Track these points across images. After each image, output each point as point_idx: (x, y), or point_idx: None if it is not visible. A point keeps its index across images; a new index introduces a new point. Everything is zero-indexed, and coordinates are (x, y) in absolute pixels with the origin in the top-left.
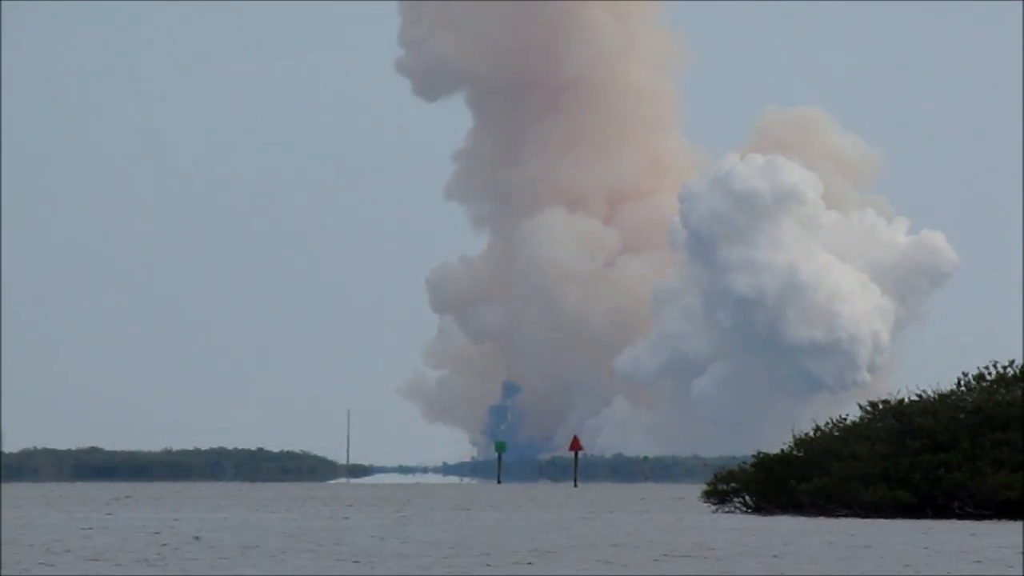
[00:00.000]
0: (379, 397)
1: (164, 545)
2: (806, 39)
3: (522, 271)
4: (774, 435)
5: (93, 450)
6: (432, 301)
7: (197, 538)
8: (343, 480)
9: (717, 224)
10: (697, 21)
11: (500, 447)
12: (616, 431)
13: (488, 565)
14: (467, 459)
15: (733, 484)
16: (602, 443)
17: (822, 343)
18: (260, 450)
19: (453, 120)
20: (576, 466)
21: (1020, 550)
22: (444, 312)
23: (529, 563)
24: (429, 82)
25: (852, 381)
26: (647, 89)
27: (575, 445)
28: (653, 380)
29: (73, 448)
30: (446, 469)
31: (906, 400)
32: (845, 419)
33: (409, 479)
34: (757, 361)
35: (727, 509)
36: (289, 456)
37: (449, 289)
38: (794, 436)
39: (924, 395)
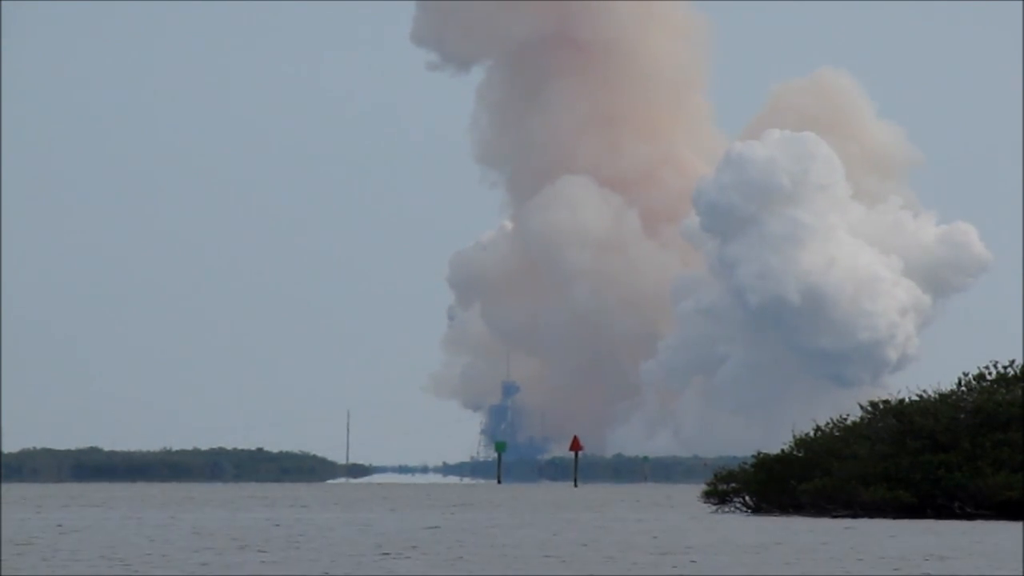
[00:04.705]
0: (379, 396)
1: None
2: (832, 24)
3: (540, 262)
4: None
5: (93, 450)
6: (459, 298)
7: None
8: (343, 480)
9: (734, 223)
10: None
11: (500, 447)
12: (633, 429)
13: (657, 566)
14: (467, 459)
15: (733, 484)
16: (616, 440)
17: (846, 343)
18: (260, 450)
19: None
20: (576, 466)
21: (1020, 550)
22: (469, 306)
23: (692, 561)
24: (448, 56)
25: (876, 381)
26: (672, 65)
27: (575, 445)
28: (679, 387)
29: (73, 448)
30: (446, 469)
31: (906, 400)
32: (845, 419)
33: (409, 479)
34: (778, 360)
35: (727, 509)
36: (289, 456)
37: (472, 282)
38: (794, 436)
39: (924, 395)
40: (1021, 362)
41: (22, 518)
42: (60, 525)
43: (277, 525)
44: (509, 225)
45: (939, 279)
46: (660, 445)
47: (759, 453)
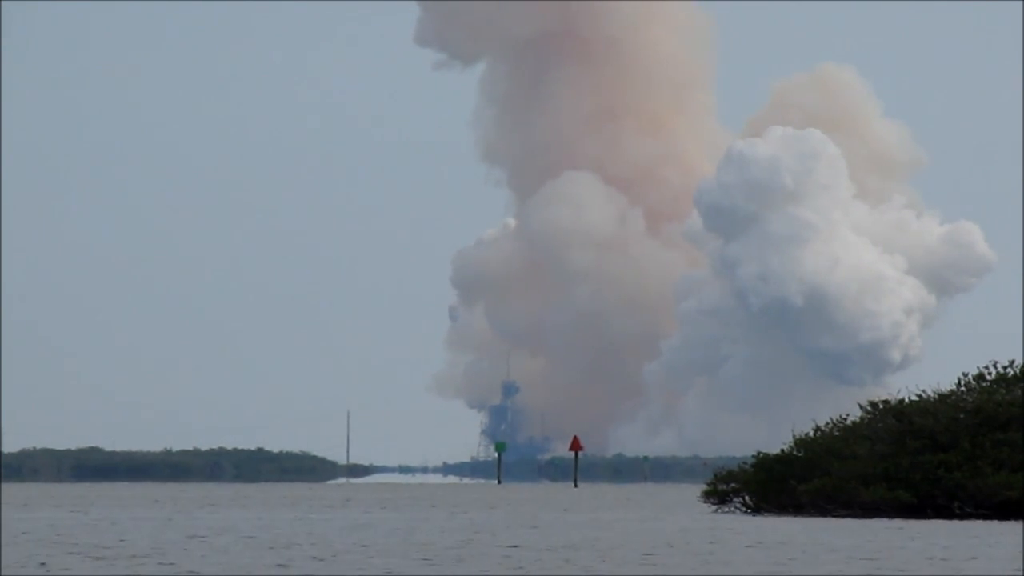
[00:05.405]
0: (379, 396)
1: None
2: (837, 24)
3: (542, 261)
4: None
5: (93, 450)
6: (462, 297)
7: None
8: (343, 480)
9: (736, 223)
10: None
11: (500, 447)
12: (636, 429)
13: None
14: (467, 459)
15: (733, 484)
16: (617, 440)
17: (849, 343)
18: (260, 450)
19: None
20: (576, 466)
21: (1020, 550)
22: (472, 305)
23: (704, 560)
24: (451, 55)
25: (880, 381)
26: (675, 62)
27: (575, 445)
28: (682, 387)
29: (73, 448)
30: (446, 469)
31: (906, 400)
32: (845, 419)
33: (410, 479)
34: (782, 359)
35: (727, 509)
36: (289, 456)
37: (475, 280)
38: (794, 436)
39: (924, 395)
40: (1021, 362)
41: (50, 518)
42: (116, 526)
43: (303, 523)
44: (512, 222)
45: (942, 279)
46: (660, 445)
47: (759, 453)
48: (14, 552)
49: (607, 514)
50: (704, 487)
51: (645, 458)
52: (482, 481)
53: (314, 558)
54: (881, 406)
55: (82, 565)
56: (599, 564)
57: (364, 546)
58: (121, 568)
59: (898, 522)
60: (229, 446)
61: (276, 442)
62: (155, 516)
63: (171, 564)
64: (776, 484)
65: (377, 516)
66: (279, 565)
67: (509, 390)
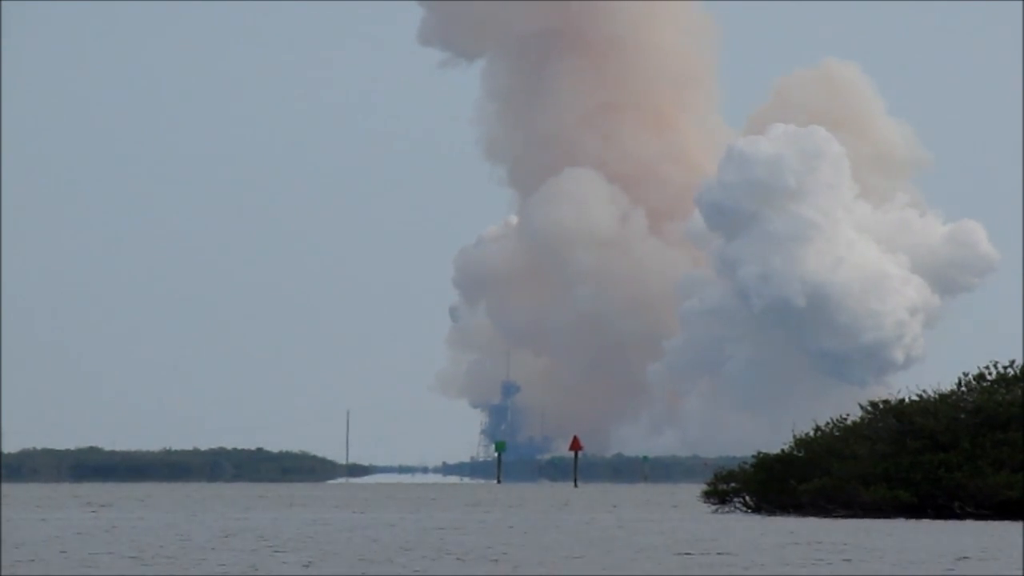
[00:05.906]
0: (379, 396)
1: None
2: (841, 22)
3: (544, 259)
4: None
5: (92, 450)
6: (464, 295)
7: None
8: (343, 480)
9: (738, 222)
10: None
11: (500, 447)
12: (637, 428)
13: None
14: (467, 459)
15: (733, 484)
16: (618, 440)
17: (853, 343)
18: (259, 450)
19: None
20: (576, 466)
21: (1020, 550)
22: (474, 304)
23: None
24: (454, 53)
25: (882, 380)
26: (678, 59)
27: (575, 445)
28: (686, 387)
29: (72, 448)
30: (446, 469)
31: (906, 400)
32: (845, 419)
33: (411, 479)
34: (785, 359)
35: (727, 509)
36: (289, 456)
37: (477, 279)
38: (794, 436)
39: (924, 395)
40: (1021, 362)
41: (69, 518)
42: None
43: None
44: (514, 219)
45: (946, 279)
46: (660, 445)
47: (759, 453)
48: (29, 552)
49: (611, 513)
50: (704, 487)
51: (645, 458)
52: (482, 481)
53: (338, 558)
54: (881, 406)
55: (111, 565)
56: (629, 564)
57: (379, 544)
58: (144, 569)
59: (907, 522)
60: (229, 446)
61: (276, 442)
62: (168, 516)
63: (196, 563)
64: (776, 484)
65: (391, 516)
66: (304, 565)
67: (509, 390)
